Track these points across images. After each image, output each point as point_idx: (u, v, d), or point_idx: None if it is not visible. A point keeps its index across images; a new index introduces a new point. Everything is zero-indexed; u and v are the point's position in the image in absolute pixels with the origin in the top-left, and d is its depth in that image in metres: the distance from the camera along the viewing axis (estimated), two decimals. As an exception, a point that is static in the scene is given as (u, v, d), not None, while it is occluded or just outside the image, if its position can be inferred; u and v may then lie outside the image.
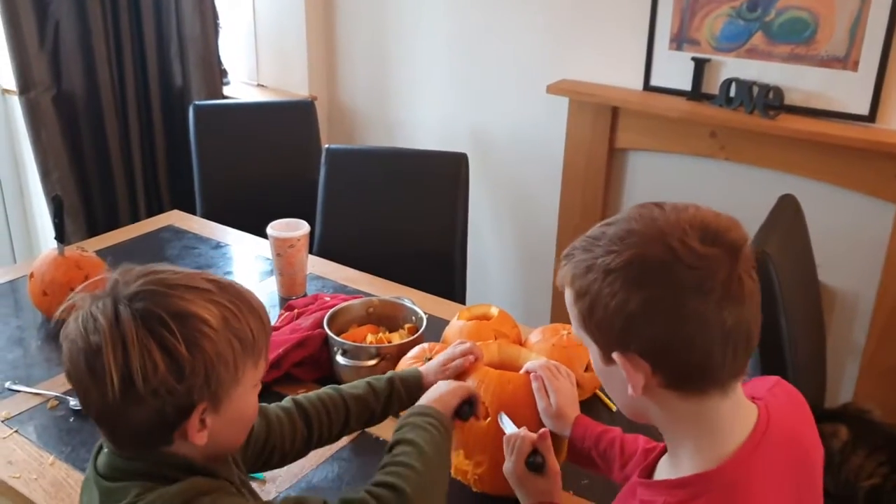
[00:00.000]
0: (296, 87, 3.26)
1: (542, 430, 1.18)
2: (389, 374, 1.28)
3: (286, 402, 1.19)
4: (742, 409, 0.89)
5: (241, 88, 3.34)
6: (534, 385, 1.26)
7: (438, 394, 1.15)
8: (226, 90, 3.22)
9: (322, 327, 1.61)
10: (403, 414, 1.12)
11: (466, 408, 1.18)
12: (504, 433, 1.20)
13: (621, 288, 0.81)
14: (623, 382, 0.86)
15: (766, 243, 1.74)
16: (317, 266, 2.12)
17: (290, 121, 2.82)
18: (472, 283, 2.59)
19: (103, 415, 0.85)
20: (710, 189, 2.60)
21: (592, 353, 0.90)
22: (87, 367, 0.82)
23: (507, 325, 1.64)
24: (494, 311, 1.67)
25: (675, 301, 0.80)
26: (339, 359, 1.54)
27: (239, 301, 0.88)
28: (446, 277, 2.40)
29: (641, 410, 0.90)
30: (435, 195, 2.42)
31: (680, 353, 0.82)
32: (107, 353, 0.80)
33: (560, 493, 1.19)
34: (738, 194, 2.53)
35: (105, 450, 0.91)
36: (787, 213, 2.00)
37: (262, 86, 3.36)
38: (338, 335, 1.59)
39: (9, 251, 3.11)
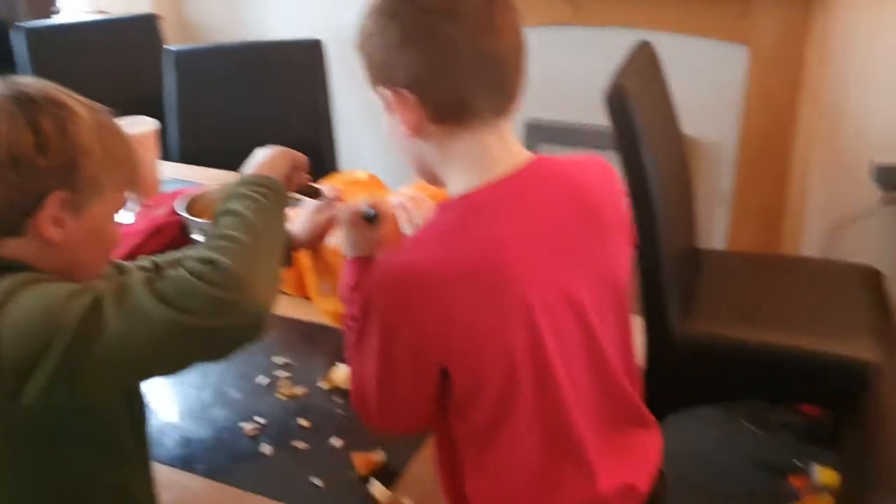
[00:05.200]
0: (139, 10, 3.05)
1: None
2: None
3: (146, 261, 1.14)
4: (514, 152, 0.94)
5: (77, 18, 3.10)
6: (401, 215, 1.22)
7: (266, 158, 1.02)
8: (59, 20, 2.98)
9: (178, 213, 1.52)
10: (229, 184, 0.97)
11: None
12: None
13: (379, 21, 0.88)
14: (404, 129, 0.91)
15: (623, 80, 1.74)
16: (176, 171, 2.01)
17: (132, 39, 2.65)
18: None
19: None
20: (567, 56, 2.59)
21: (384, 113, 0.93)
22: None
23: (378, 188, 1.60)
24: (362, 174, 1.62)
25: (427, 27, 0.86)
26: (198, 239, 1.47)
27: (113, 124, 0.91)
28: (317, 165, 2.33)
29: (422, 159, 0.95)
30: (292, 85, 2.33)
31: (435, 79, 0.87)
32: None
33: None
34: (594, 58, 2.53)
35: None
36: (643, 58, 1.99)
37: (103, 12, 3.13)
38: (198, 220, 1.50)
39: None
